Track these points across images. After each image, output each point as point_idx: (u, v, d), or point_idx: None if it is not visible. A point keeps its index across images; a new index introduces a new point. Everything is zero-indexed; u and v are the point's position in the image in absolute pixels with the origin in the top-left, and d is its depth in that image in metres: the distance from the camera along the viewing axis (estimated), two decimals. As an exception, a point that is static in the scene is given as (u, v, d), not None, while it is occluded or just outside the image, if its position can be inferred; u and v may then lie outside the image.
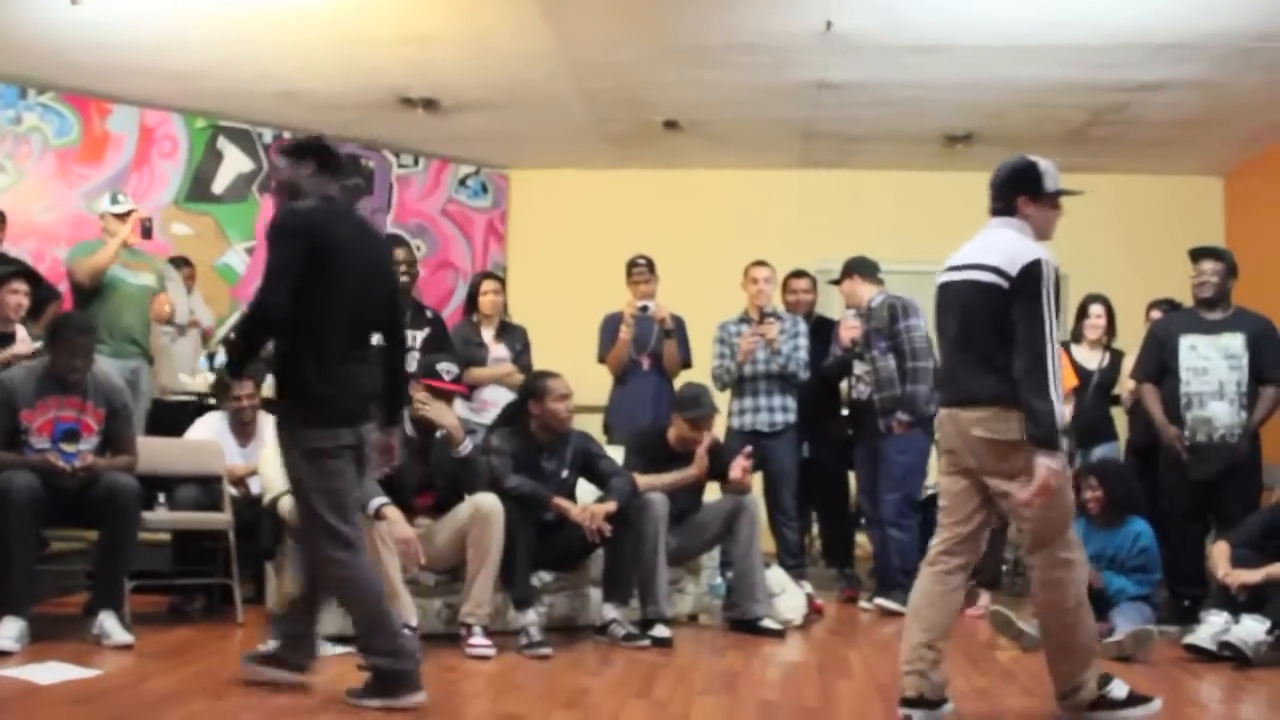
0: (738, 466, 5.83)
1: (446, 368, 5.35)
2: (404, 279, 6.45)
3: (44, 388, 5.07)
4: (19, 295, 5.90)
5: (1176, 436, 5.98)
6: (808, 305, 7.07)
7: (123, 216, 6.57)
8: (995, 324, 3.77)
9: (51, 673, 4.26)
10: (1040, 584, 3.90)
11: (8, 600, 4.69)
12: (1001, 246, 3.84)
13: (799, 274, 7.13)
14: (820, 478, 6.95)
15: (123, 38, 6.75)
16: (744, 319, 6.80)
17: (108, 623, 4.83)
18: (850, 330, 6.54)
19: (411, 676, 3.95)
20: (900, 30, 6.52)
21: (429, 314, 6.91)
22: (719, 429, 6.30)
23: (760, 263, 6.81)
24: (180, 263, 7.65)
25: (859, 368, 6.52)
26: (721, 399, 6.43)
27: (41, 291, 6.28)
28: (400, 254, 6.61)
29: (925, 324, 6.38)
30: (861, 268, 6.60)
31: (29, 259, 7.01)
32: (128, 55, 7.08)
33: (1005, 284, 3.74)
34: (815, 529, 7.54)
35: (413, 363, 6.21)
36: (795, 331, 6.75)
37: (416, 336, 6.47)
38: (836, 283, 6.71)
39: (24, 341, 5.78)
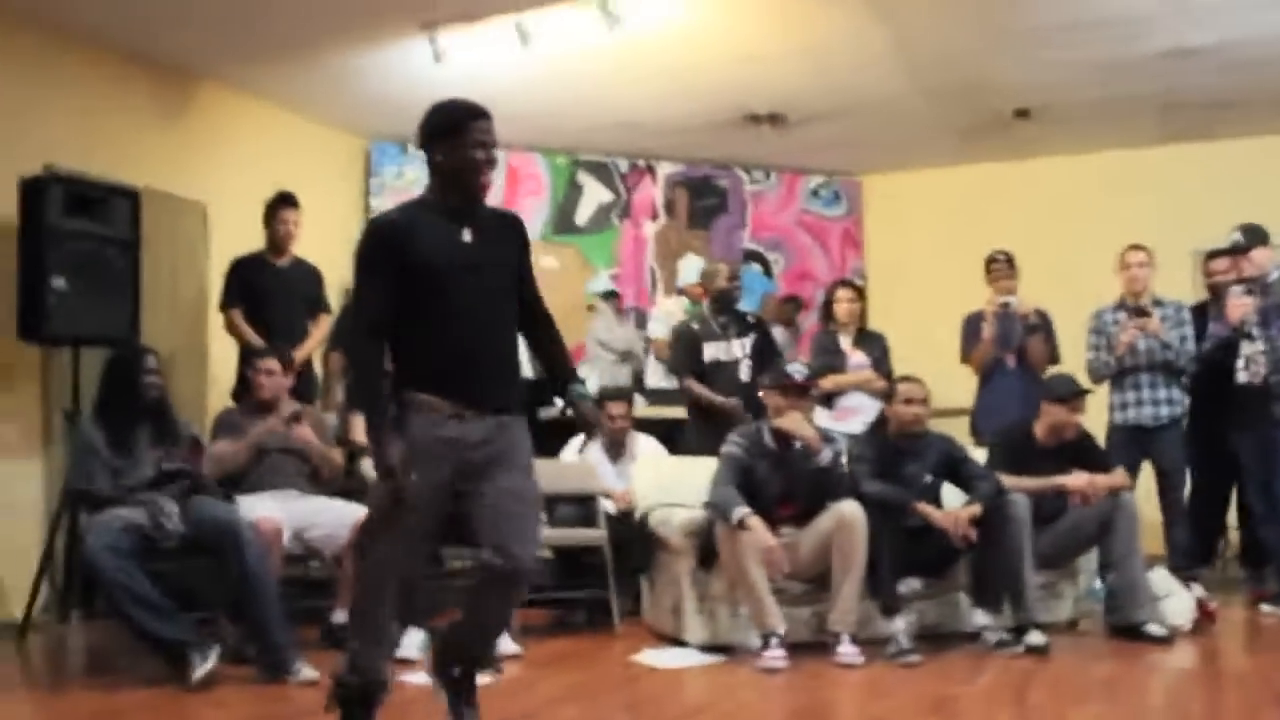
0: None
1: (796, 368, 5.39)
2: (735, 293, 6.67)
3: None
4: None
5: None
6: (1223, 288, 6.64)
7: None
8: None
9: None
10: None
11: (410, 614, 5.09)
12: None
13: (1216, 253, 6.66)
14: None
15: (483, 87, 7.19)
16: (1120, 306, 6.49)
17: (497, 635, 5.16)
18: (1241, 307, 6.09)
19: None
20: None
21: (751, 320, 6.82)
22: (1096, 426, 6.04)
23: (1136, 246, 6.49)
24: (610, 295, 8.12)
25: (1248, 348, 6.08)
26: (1099, 396, 6.18)
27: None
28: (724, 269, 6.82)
29: None
30: (1265, 236, 6.17)
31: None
32: (490, 104, 7.54)
33: None
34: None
35: (745, 372, 6.36)
36: (1180, 320, 6.41)
37: (745, 345, 6.53)
38: (1236, 251, 6.28)
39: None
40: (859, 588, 5.05)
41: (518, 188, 8.83)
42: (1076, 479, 5.51)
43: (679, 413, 6.98)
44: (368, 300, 3.35)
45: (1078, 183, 9.11)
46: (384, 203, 8.44)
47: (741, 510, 4.94)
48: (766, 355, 6.45)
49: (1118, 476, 5.58)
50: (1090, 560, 5.86)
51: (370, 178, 8.59)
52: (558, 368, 3.62)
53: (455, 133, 3.40)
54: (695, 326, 6.65)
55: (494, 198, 8.47)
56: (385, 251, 3.31)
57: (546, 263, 8.67)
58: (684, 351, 6.59)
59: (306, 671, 4.49)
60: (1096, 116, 8.29)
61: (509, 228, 3.53)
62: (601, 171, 9.13)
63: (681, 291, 7.89)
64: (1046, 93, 7.80)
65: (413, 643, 4.98)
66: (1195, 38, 6.83)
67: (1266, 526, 6.17)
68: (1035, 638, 5.08)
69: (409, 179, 8.48)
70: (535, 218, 8.81)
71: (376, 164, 8.59)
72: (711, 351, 6.50)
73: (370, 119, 8.13)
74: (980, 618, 5.27)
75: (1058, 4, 6.31)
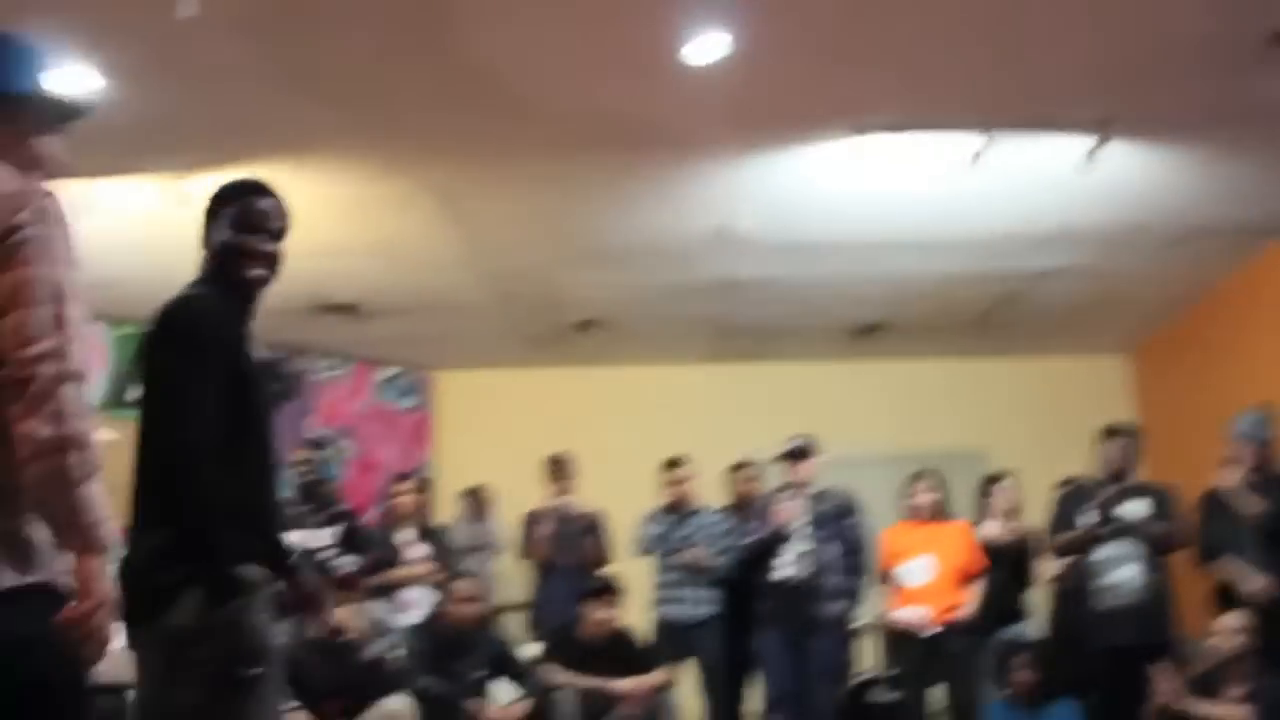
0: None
1: (345, 561, 5.35)
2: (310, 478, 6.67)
3: None
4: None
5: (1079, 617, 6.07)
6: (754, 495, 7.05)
7: None
8: None
9: None
10: None
11: None
12: None
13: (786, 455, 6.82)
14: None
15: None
16: (668, 510, 6.83)
17: None
18: (790, 510, 6.49)
19: None
20: (790, 230, 6.77)
21: (339, 510, 6.77)
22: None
23: (673, 462, 6.87)
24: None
25: (792, 547, 6.43)
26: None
27: None
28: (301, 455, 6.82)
29: (866, 520, 6.56)
30: (816, 449, 6.62)
31: None
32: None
33: None
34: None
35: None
36: (722, 529, 6.78)
37: (329, 534, 6.45)
38: (792, 458, 6.57)
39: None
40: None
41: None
42: (624, 683, 5.70)
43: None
44: None
45: (635, 392, 9.58)
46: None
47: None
48: (353, 547, 6.36)
49: (660, 676, 5.82)
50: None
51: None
52: None
53: None
54: None
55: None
56: None
57: (106, 435, 8.16)
58: None
59: None
60: (656, 333, 8.88)
61: None
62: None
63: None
64: (609, 308, 8.27)
65: None
66: (743, 271, 7.48)
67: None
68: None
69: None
70: (95, 389, 8.31)
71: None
72: (294, 539, 6.34)
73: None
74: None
75: (619, 228, 6.77)
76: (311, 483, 6.70)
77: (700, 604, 6.65)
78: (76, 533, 1.95)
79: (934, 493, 6.61)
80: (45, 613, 1.95)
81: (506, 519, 7.60)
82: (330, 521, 6.56)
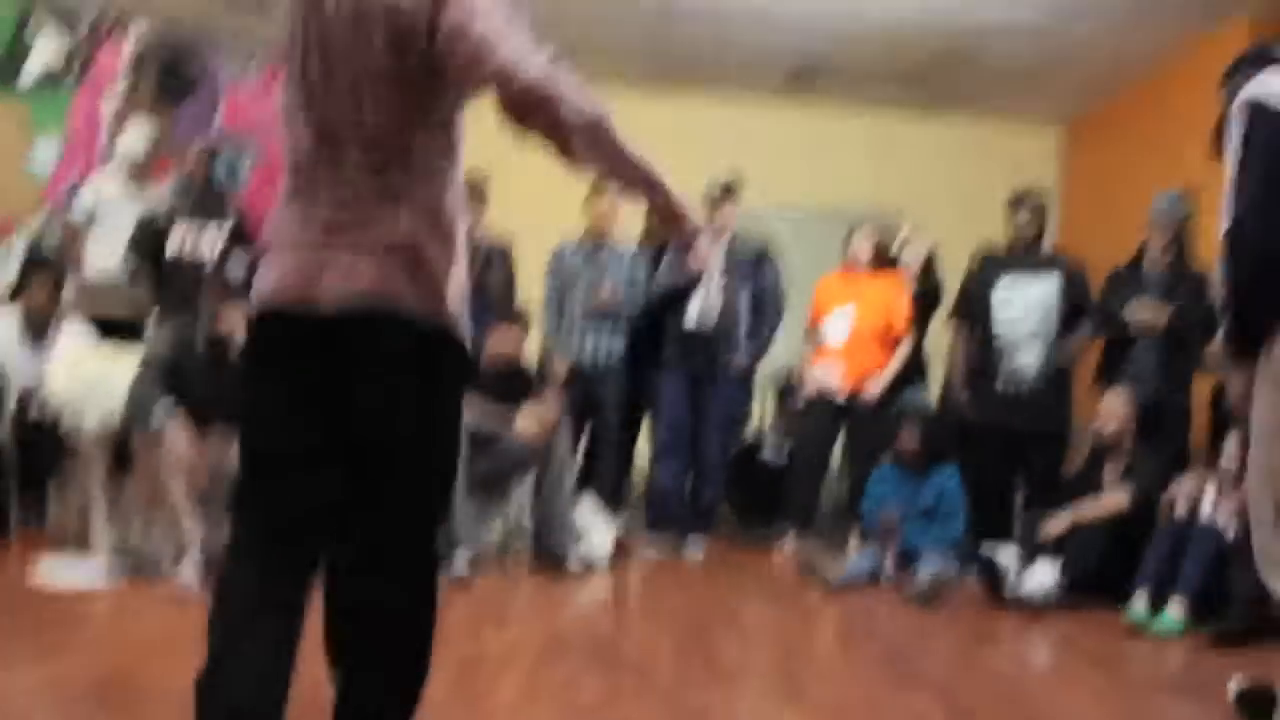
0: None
1: (234, 268, 5.07)
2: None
3: None
4: None
5: (966, 403, 6.10)
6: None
7: None
8: None
9: None
10: None
11: None
12: None
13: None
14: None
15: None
16: (584, 242, 6.56)
17: None
18: (704, 256, 6.30)
19: None
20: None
21: (228, 213, 6.50)
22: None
23: (595, 190, 6.51)
24: None
25: (704, 293, 6.34)
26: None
27: None
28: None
29: (781, 271, 6.43)
30: (737, 192, 6.42)
31: None
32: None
33: None
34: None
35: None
36: (635, 269, 6.55)
37: (217, 238, 6.19)
38: (714, 201, 6.37)
39: None
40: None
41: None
42: (526, 419, 5.58)
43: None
44: None
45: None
46: None
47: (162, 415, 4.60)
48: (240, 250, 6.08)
49: (552, 408, 5.70)
50: (524, 489, 5.99)
51: None
52: None
53: None
54: (162, 212, 6.30)
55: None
56: None
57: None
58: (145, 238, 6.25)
59: None
60: (586, 55, 8.41)
61: None
62: (68, 19, 8.10)
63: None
64: (546, 28, 7.79)
65: None
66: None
67: (658, 465, 6.45)
68: (459, 568, 5.10)
69: None
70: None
71: None
72: (177, 240, 6.17)
73: None
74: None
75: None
76: (202, 186, 6.39)
77: (603, 350, 6.45)
78: (644, 183, 2.22)
79: (872, 240, 6.46)
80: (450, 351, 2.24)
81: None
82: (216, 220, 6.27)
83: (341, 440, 2.20)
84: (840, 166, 8.92)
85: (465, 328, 2.28)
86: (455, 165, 2.29)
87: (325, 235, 2.18)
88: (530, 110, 2.05)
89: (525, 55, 2.06)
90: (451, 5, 2.10)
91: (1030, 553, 5.38)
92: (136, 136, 7.15)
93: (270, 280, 2.22)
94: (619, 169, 2.18)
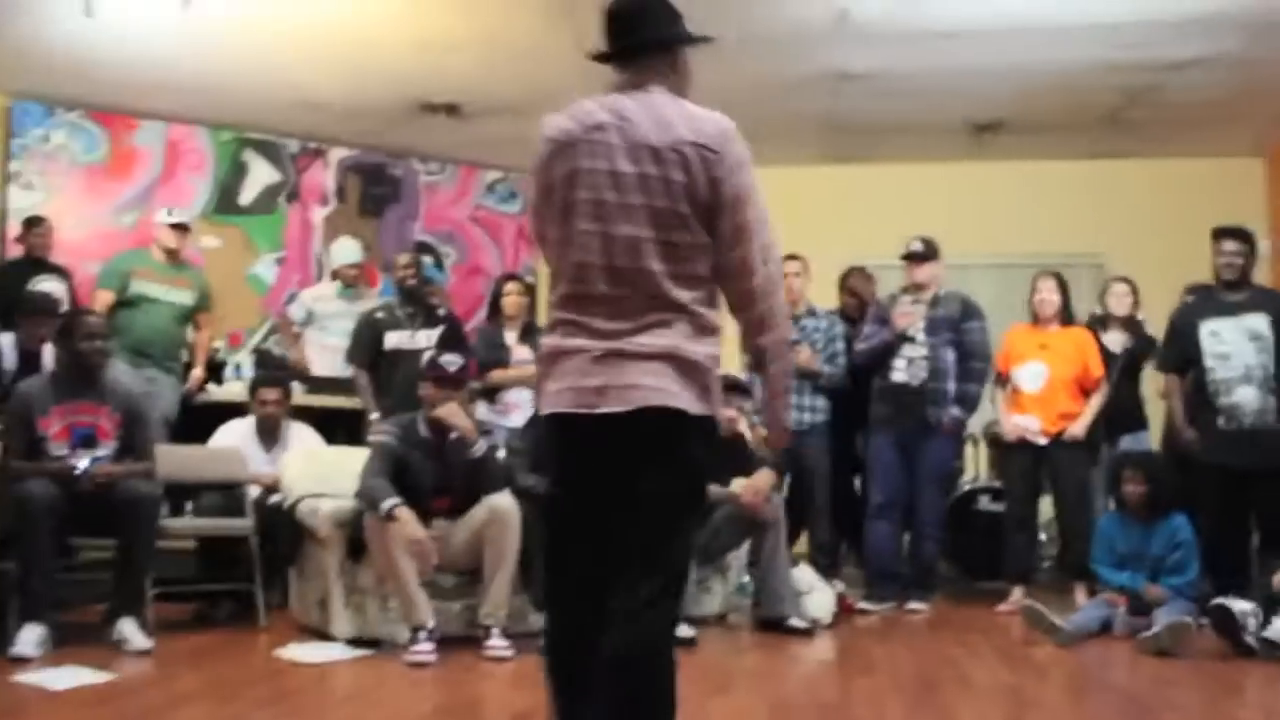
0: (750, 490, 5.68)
1: (450, 359, 5.27)
2: (411, 282, 6.77)
3: (59, 392, 5.08)
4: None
5: (1194, 440, 5.88)
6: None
7: (177, 228, 6.85)
8: None
9: (67, 677, 4.27)
10: None
11: (29, 607, 4.70)
12: None
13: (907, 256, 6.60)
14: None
15: (143, 51, 6.80)
16: None
17: (127, 628, 4.83)
18: (909, 316, 6.40)
19: None
20: (918, 16, 6.38)
21: (441, 313, 6.92)
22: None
23: (791, 256, 6.63)
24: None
25: (910, 351, 6.40)
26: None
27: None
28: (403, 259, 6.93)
29: (986, 327, 6.44)
30: (938, 251, 6.51)
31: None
32: (150, 70, 7.14)
33: None
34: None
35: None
36: (833, 334, 6.69)
37: (430, 336, 6.48)
38: (914, 260, 6.46)
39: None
40: (511, 581, 5.01)
41: (178, 163, 8.34)
42: (745, 489, 5.64)
43: (342, 402, 6.83)
44: None
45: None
46: (25, 167, 7.81)
47: (391, 501, 4.81)
48: (453, 348, 6.35)
49: (768, 477, 5.75)
50: (739, 556, 6.05)
51: (11, 139, 7.88)
52: None
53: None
54: (379, 316, 6.67)
55: (150, 173, 8.14)
56: None
57: (208, 242, 8.25)
58: (362, 340, 6.62)
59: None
60: (762, 130, 8.50)
61: None
62: (270, 151, 8.74)
63: (335, 275, 7.64)
64: (714, 104, 7.88)
65: (30, 639, 4.59)
66: (858, 63, 7.12)
67: (874, 525, 6.45)
68: (683, 630, 5.16)
69: (55, 143, 7.88)
70: (196, 195, 8.37)
71: (18, 124, 7.89)
72: (394, 341, 6.50)
73: (11, 74, 7.47)
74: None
75: (729, 17, 6.34)
76: (414, 287, 6.76)
77: (805, 410, 6.54)
78: (783, 392, 2.82)
79: (1057, 294, 6.44)
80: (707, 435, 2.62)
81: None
82: (430, 323, 6.59)
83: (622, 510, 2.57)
84: (1036, 215, 8.79)
85: (720, 408, 2.67)
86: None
87: (604, 343, 2.55)
88: (748, 303, 2.62)
89: (763, 256, 2.60)
90: (734, 176, 2.61)
91: (1270, 599, 5.15)
92: (346, 248, 7.58)
93: (557, 389, 2.59)
94: (778, 375, 2.73)
